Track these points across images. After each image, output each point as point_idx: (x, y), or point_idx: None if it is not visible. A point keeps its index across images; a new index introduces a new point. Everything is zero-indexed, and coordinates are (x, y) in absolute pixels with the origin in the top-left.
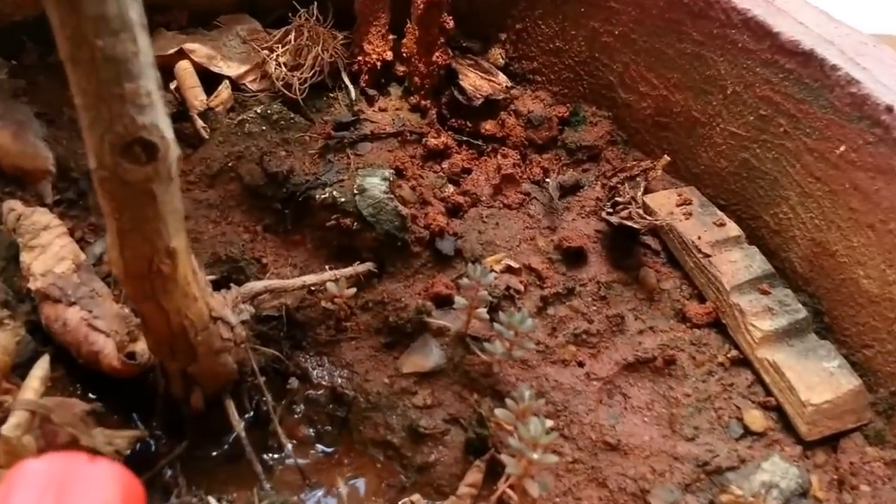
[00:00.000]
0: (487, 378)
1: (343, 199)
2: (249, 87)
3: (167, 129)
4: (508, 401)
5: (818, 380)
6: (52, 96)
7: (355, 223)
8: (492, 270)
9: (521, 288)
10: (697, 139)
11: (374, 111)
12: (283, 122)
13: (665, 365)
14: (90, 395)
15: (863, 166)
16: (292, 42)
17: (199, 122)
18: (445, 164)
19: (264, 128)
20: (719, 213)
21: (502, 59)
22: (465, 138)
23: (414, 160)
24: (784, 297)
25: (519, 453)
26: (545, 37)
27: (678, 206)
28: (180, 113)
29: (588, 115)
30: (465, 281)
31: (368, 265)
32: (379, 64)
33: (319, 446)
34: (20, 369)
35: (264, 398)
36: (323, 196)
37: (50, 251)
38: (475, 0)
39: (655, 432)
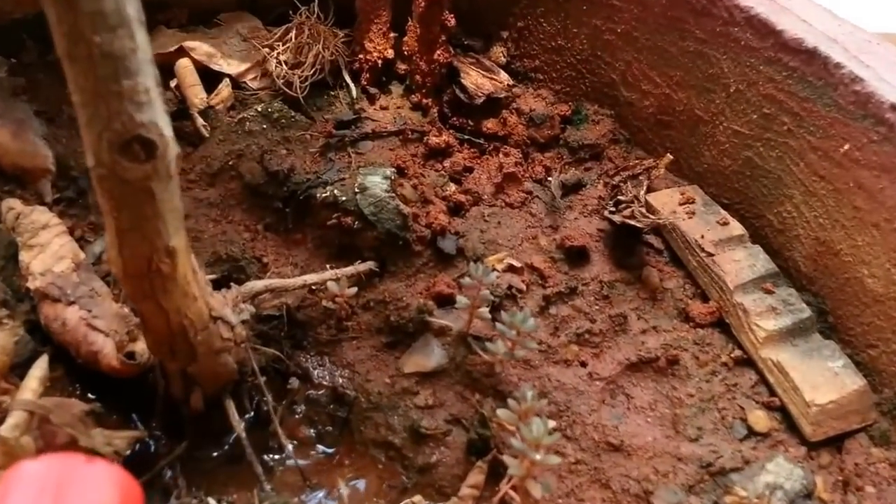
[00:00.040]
0: (489, 378)
1: (344, 198)
2: (250, 85)
3: (166, 126)
4: (510, 401)
5: (822, 380)
6: (51, 94)
7: (356, 222)
8: (494, 269)
9: (524, 287)
10: (700, 138)
11: (375, 109)
12: (283, 121)
13: (668, 365)
14: (89, 395)
15: (867, 164)
16: (293, 40)
17: (200, 121)
18: (447, 163)
19: (265, 126)
20: (722, 211)
21: (504, 57)
22: (466, 137)
23: (415, 159)
24: (788, 296)
25: (521, 454)
26: (547, 35)
27: (681, 204)
28: (180, 111)
29: (590, 113)
30: (466, 280)
31: (370, 264)
32: (380, 62)
33: (320, 447)
34: (19, 369)
35: (265, 398)
36: (324, 195)
37: (49, 250)
38: None
39: (659, 433)
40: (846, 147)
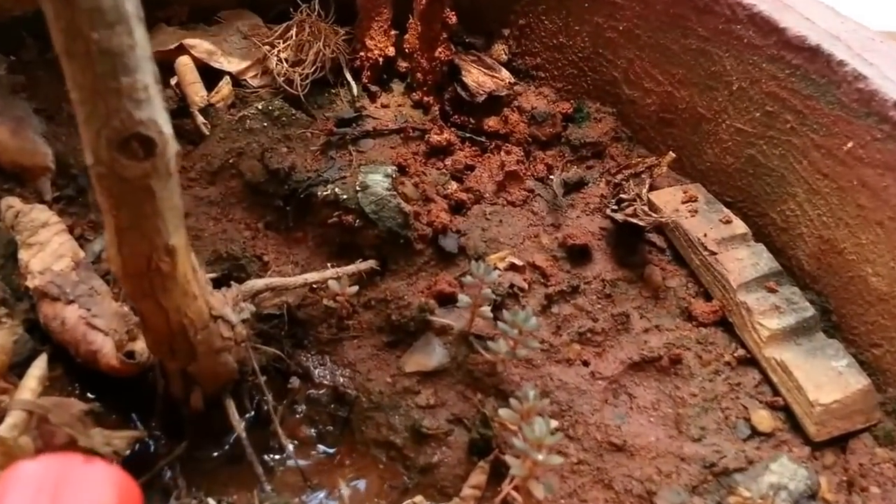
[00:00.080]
0: (491, 377)
1: (345, 196)
2: (250, 83)
3: (165, 124)
4: (512, 400)
5: (826, 379)
6: (51, 92)
7: (357, 220)
8: (495, 268)
9: (525, 286)
10: (703, 136)
11: (376, 107)
12: (284, 119)
13: (671, 364)
14: (88, 394)
15: (871, 163)
16: (293, 38)
17: (200, 119)
18: (448, 161)
19: (265, 124)
20: (725, 210)
21: (505, 54)
22: (468, 135)
23: (417, 157)
24: (791, 295)
25: (523, 454)
26: (548, 32)
27: (683, 203)
28: (181, 109)
29: (592, 111)
30: (468, 279)
31: (371, 263)
32: (381, 60)
33: (321, 447)
34: (18, 368)
35: (265, 398)
36: (325, 193)
37: (48, 248)
38: None
39: (662, 433)
40: (850, 145)
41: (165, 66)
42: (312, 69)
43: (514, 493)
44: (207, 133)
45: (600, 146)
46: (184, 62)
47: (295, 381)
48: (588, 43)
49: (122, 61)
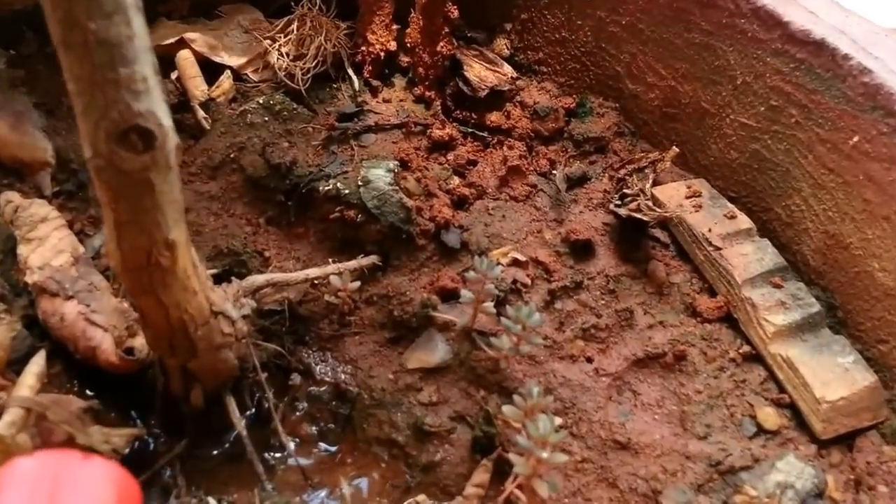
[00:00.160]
0: (494, 374)
1: (347, 191)
2: (251, 77)
3: (165, 116)
4: (516, 397)
5: (833, 376)
6: (51, 86)
7: (359, 215)
8: (498, 264)
9: (528, 281)
10: (707, 130)
11: (377, 102)
12: (285, 113)
13: (675, 360)
14: (87, 391)
15: (877, 157)
16: (295, 32)
17: (201, 113)
18: (450, 156)
19: (267, 118)
20: (730, 205)
21: (507, 49)
22: (470, 130)
23: (419, 152)
24: (797, 290)
25: (527, 452)
26: (551, 27)
27: (687, 198)
28: (181, 103)
29: (595, 106)
30: (471, 274)
31: (373, 258)
32: (383, 54)
33: (322, 445)
34: (16, 365)
35: (266, 395)
36: (326, 188)
37: (48, 244)
38: None
39: (666, 430)
40: (855, 139)
41: (166, 60)
42: (314, 63)
43: (518, 492)
44: (208, 127)
45: (603, 141)
46: (184, 56)
47: (296, 378)
48: (591, 37)
49: (120, 52)
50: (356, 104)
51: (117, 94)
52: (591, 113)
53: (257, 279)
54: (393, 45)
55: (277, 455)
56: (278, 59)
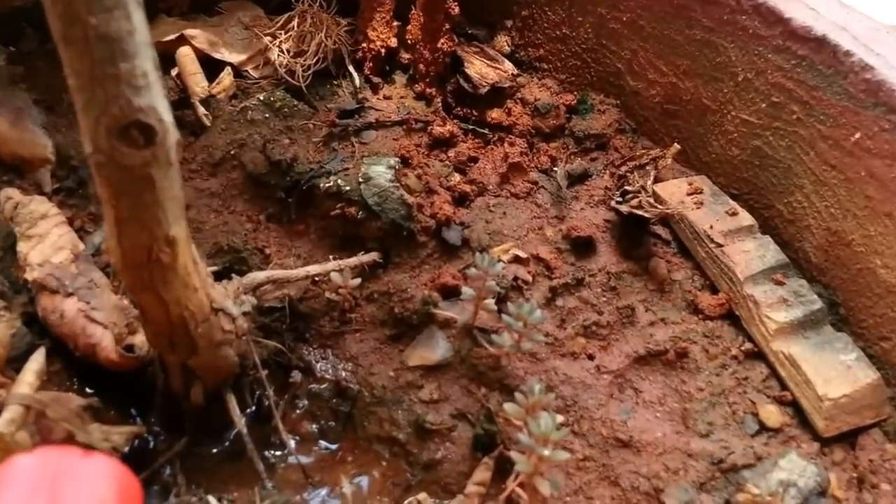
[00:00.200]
0: (495, 371)
1: (348, 188)
2: (252, 74)
3: (165, 111)
4: (518, 395)
5: (835, 373)
6: (51, 83)
7: (360, 212)
8: (499, 260)
9: (530, 278)
10: (708, 127)
11: (378, 99)
12: (286, 110)
13: (677, 358)
14: (87, 389)
15: (879, 153)
16: (295, 28)
17: (201, 109)
18: (451, 153)
19: (267, 115)
20: (731, 202)
21: (508, 46)
22: (470, 127)
23: (419, 148)
24: (799, 287)
25: (529, 450)
26: (551, 24)
27: (689, 195)
28: (182, 100)
29: (596, 103)
30: (472, 271)
31: (373, 255)
32: (383, 51)
33: (323, 443)
34: (15, 362)
35: (266, 392)
36: (327, 185)
37: (48, 241)
38: None
39: (668, 428)
40: (857, 136)
41: (166, 56)
42: (314, 60)
43: (520, 490)
44: (209, 124)
45: (604, 138)
46: (185, 53)
47: (296, 376)
48: (591, 34)
49: (120, 47)
50: (357, 101)
51: (118, 89)
52: (592, 110)
53: (258, 276)
54: (394, 42)
55: (278, 453)
56: (279, 55)
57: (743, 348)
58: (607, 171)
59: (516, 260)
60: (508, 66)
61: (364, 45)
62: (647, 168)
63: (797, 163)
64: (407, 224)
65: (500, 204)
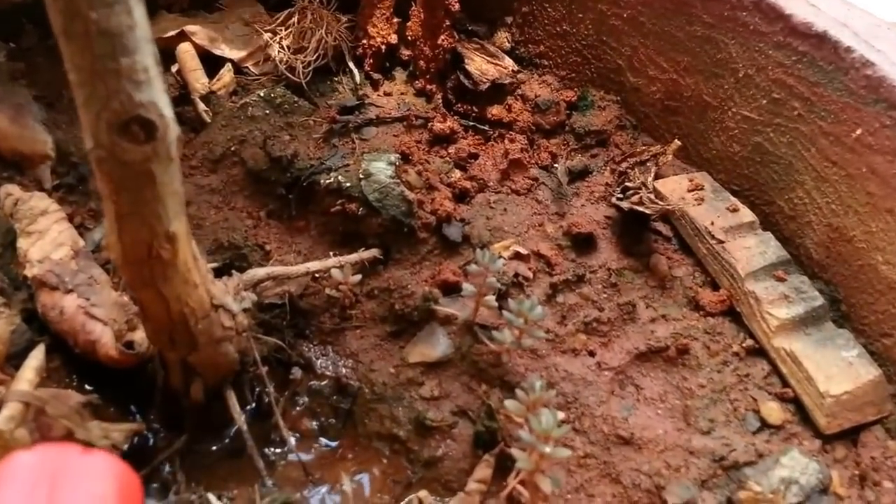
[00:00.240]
0: (496, 368)
1: (348, 184)
2: (252, 70)
3: (166, 107)
4: (519, 392)
5: (837, 370)
6: (51, 79)
7: (361, 208)
8: (500, 257)
9: (530, 275)
10: (709, 123)
11: (378, 95)
12: (286, 106)
13: (678, 354)
14: (87, 386)
15: (880, 150)
16: (295, 25)
17: (201, 106)
18: (452, 149)
19: (268, 111)
20: (732, 198)
21: (508, 42)
22: (471, 123)
23: (420, 145)
24: (800, 284)
25: (530, 447)
26: (552, 20)
27: (690, 191)
28: (182, 96)
29: (596, 99)
30: (473, 267)
31: (374, 251)
32: (384, 47)
33: (323, 440)
34: (15, 359)
35: (266, 389)
36: (328, 181)
37: (48, 237)
38: None
39: (669, 425)
40: (858, 132)
41: (166, 53)
42: (314, 57)
43: (520, 488)
44: (209, 120)
45: (604, 134)
46: (185, 49)
47: (297, 372)
48: (592, 30)
49: (121, 42)
50: (357, 97)
51: (118, 84)
52: (592, 106)
53: (258, 272)
54: (394, 39)
55: (278, 450)
56: (279, 52)
57: (744, 345)
58: (608, 168)
59: (517, 256)
60: (509, 62)
61: (364, 41)
62: (648, 164)
63: (798, 159)
64: (407, 220)
65: (501, 200)
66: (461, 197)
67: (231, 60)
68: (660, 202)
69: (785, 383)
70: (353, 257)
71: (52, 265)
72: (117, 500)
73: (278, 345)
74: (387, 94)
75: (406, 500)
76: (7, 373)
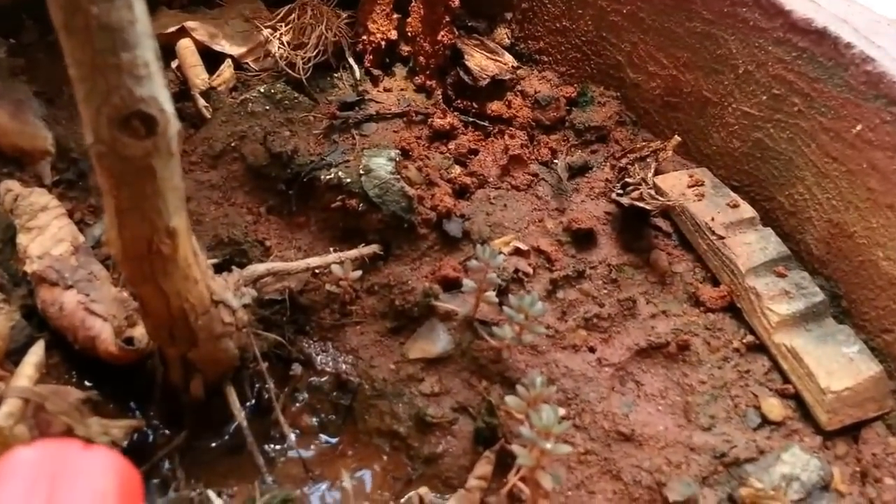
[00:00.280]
0: (496, 364)
1: (348, 180)
2: (252, 66)
3: (166, 102)
4: (519, 388)
5: (837, 366)
6: (51, 75)
7: (361, 204)
8: (500, 253)
9: (530, 271)
10: (709, 119)
11: (378, 91)
12: (286, 102)
13: (679, 351)
14: (86, 382)
15: (880, 145)
16: (295, 21)
17: (201, 102)
18: (452, 145)
19: (268, 107)
20: (732, 194)
21: (508, 38)
22: (471, 119)
23: (420, 141)
24: (801, 279)
25: (531, 443)
26: (551, 16)
27: (690, 187)
28: (182, 92)
29: (596, 95)
30: (473, 263)
31: (374, 247)
32: (383, 43)
33: (323, 436)
34: (14, 355)
35: (266, 385)
36: (328, 177)
37: (48, 233)
38: None
39: (670, 421)
40: (859, 128)
41: (167, 49)
42: (314, 52)
43: (521, 484)
44: (209, 116)
45: (604, 130)
46: (185, 45)
47: (297, 368)
48: (591, 26)
49: (121, 37)
50: (357, 93)
51: (119, 79)
52: (592, 102)
53: (258, 268)
54: (394, 35)
55: (278, 447)
56: (279, 47)
57: (745, 341)
58: (608, 164)
59: (517, 252)
60: (508, 58)
61: (364, 37)
62: (648, 160)
63: (798, 155)
64: (408, 216)
65: (501, 196)
66: (461, 193)
67: (231, 56)
68: (660, 198)
69: (786, 379)
70: (354, 253)
71: (51, 261)
72: (118, 496)
73: (278, 341)
74: (387, 90)
75: (406, 496)
76: (6, 369)
